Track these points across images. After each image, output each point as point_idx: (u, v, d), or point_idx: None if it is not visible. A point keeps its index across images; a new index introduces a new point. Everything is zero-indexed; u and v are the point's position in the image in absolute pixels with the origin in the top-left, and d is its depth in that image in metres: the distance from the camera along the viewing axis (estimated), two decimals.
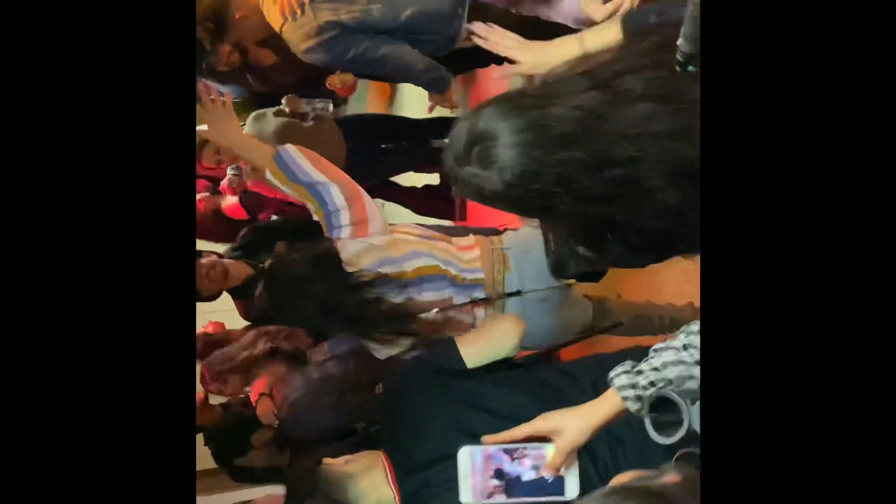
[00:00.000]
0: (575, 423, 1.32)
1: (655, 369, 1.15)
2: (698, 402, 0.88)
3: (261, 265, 2.91)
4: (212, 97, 2.25)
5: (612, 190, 1.04)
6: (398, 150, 3.43)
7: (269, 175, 2.24)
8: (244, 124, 3.16)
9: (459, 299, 2.22)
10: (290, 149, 2.25)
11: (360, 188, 2.28)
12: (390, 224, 2.36)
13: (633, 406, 1.18)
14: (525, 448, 1.39)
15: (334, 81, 3.37)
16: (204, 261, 3.18)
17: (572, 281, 2.37)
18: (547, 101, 1.08)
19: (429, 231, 2.40)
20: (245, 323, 3.58)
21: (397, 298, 2.16)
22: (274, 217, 3.77)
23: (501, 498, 1.38)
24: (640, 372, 1.19)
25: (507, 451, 1.40)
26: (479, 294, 2.24)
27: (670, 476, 0.87)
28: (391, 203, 4.10)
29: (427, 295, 2.20)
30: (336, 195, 2.22)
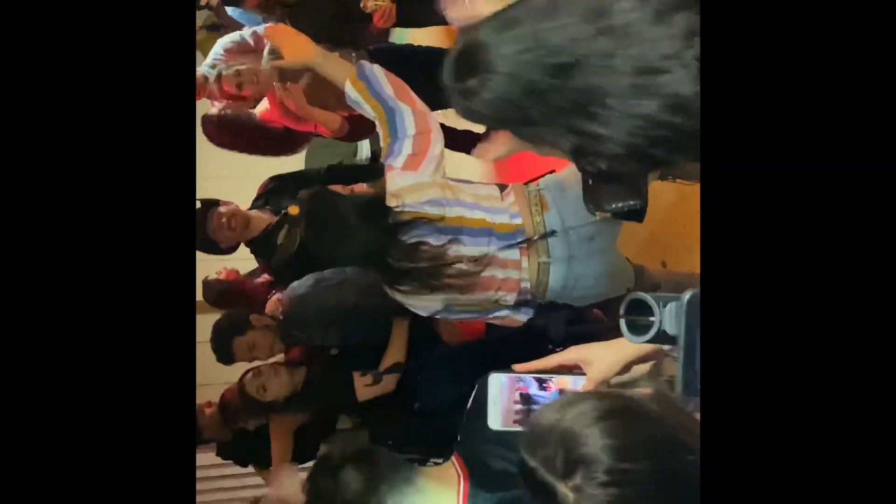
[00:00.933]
0: (607, 354, 1.37)
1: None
2: (671, 304, 0.93)
3: (284, 212, 2.83)
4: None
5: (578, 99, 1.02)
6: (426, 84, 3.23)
7: (348, 87, 2.22)
8: None
9: (503, 253, 2.18)
10: (374, 65, 2.25)
11: (434, 122, 2.24)
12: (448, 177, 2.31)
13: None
14: (553, 378, 1.42)
15: (368, 4, 3.21)
16: (223, 209, 3.09)
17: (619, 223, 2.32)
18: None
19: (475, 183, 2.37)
20: None
21: (438, 243, 2.13)
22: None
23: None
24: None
25: (536, 379, 1.42)
26: (520, 239, 2.21)
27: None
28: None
29: (466, 249, 2.16)
30: (409, 124, 2.19)
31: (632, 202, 2.08)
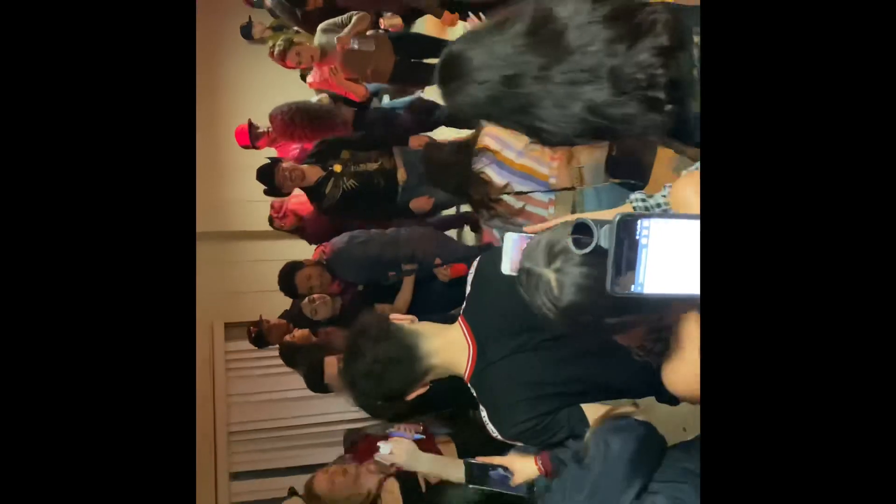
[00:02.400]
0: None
1: (658, 204, 1.56)
2: (606, 226, 1.15)
3: (330, 168, 3.66)
4: None
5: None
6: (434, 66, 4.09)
7: None
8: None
9: (539, 196, 2.67)
10: None
11: None
12: None
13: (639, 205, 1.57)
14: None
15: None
16: (286, 165, 3.98)
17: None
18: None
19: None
20: None
21: (498, 180, 2.67)
22: None
23: None
24: (650, 196, 1.60)
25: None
26: (553, 195, 2.70)
27: None
28: None
29: (520, 187, 2.66)
30: None
31: (632, 181, 2.58)
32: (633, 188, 2.53)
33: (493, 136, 2.69)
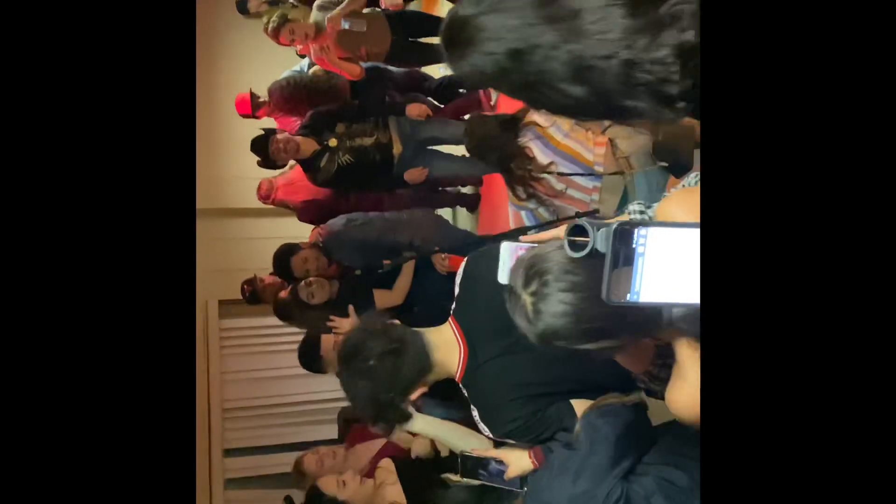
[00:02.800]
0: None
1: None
2: (603, 230, 1.11)
3: (326, 143, 3.64)
4: None
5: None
6: (433, 46, 4.06)
7: None
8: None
9: (583, 181, 2.66)
10: None
11: None
12: None
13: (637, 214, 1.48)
14: None
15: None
16: (280, 136, 3.93)
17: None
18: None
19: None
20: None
21: (542, 158, 2.66)
22: None
23: None
24: (649, 207, 1.49)
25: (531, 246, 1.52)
26: (598, 182, 2.69)
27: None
28: None
29: (564, 168, 2.65)
30: None
31: (673, 165, 2.58)
32: (680, 171, 2.58)
33: (542, 112, 2.69)
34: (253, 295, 4.53)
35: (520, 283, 1.27)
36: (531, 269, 1.26)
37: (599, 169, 2.63)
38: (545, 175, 2.66)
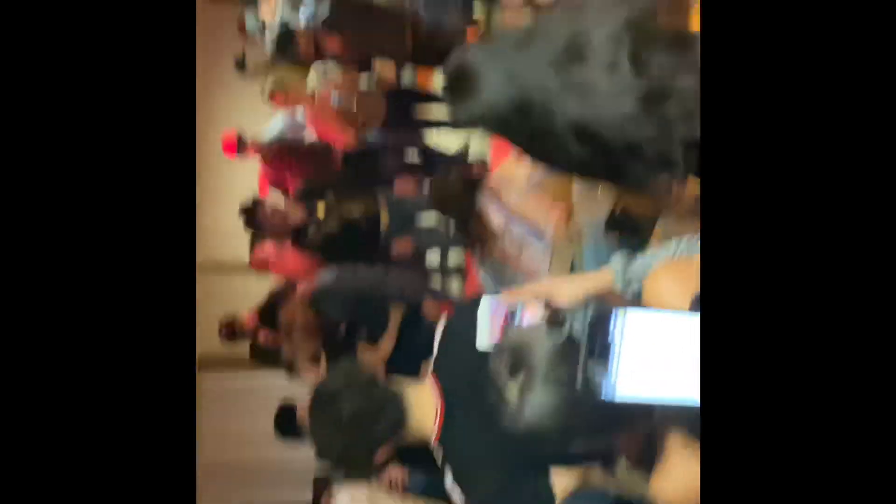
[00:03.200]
0: (567, 288, 1.45)
1: (647, 262, 1.37)
2: (580, 313, 1.11)
3: (313, 213, 3.76)
4: None
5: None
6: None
7: None
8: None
9: (536, 247, 2.75)
10: None
11: None
12: None
13: (619, 284, 1.40)
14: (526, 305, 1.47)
15: None
16: (268, 207, 4.20)
17: None
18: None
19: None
20: None
21: (498, 220, 2.79)
22: None
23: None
24: (633, 260, 1.42)
25: (511, 308, 1.49)
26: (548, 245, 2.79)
27: None
28: None
29: (517, 233, 2.78)
30: None
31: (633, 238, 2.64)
32: (635, 245, 2.53)
33: (500, 175, 2.80)
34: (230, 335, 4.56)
35: (505, 369, 1.24)
36: (518, 354, 1.23)
37: (550, 234, 2.71)
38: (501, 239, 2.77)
